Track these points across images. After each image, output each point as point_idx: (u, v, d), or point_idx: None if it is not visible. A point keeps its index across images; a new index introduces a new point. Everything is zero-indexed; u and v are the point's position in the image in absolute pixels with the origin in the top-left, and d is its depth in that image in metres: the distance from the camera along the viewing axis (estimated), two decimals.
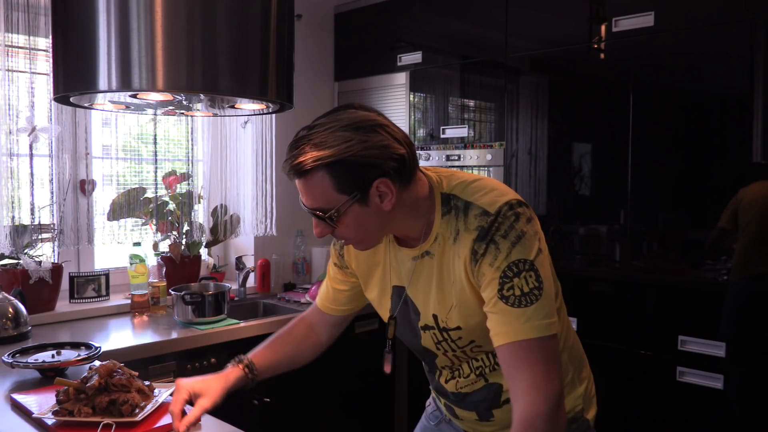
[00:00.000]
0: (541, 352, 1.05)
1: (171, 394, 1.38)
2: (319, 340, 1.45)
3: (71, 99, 1.46)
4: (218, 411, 1.35)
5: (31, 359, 1.61)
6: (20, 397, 1.41)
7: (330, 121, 1.08)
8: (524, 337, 1.05)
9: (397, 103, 2.99)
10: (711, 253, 2.05)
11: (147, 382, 1.38)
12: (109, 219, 2.62)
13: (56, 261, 2.42)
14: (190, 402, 1.25)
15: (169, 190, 2.78)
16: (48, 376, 1.58)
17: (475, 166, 2.65)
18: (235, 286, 2.85)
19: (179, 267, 2.70)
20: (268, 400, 2.22)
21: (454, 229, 1.14)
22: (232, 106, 1.64)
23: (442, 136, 2.77)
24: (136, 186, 2.71)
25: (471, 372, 1.26)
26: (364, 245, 1.20)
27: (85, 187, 2.51)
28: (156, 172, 2.78)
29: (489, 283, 1.09)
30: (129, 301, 2.52)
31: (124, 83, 1.29)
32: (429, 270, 1.19)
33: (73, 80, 1.34)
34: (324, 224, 1.13)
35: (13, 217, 2.30)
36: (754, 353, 1.97)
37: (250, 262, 2.96)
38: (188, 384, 1.25)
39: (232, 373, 1.31)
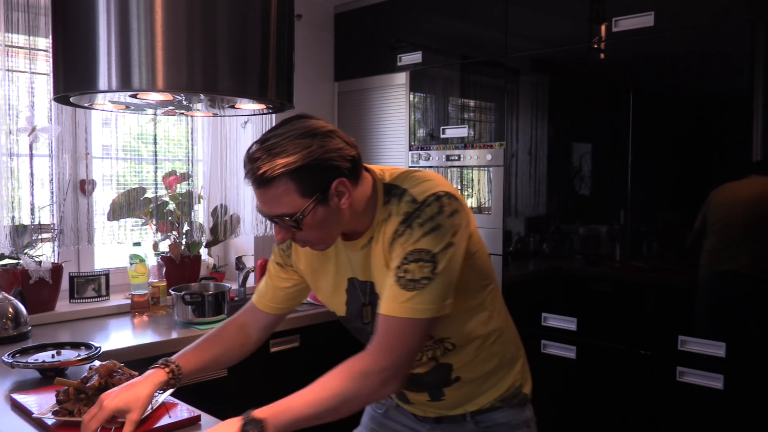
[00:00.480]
0: (406, 330, 1.16)
1: (171, 395, 1.38)
2: (248, 341, 1.47)
3: (71, 99, 1.46)
4: (218, 411, 1.35)
5: (31, 359, 1.61)
6: (20, 397, 1.41)
7: (286, 131, 1.16)
8: (396, 314, 1.16)
9: (397, 103, 2.99)
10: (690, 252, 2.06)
11: None
12: (109, 219, 2.62)
13: (56, 261, 2.42)
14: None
15: (169, 190, 2.78)
16: (48, 376, 1.58)
17: (475, 166, 2.65)
18: (235, 286, 2.85)
19: (179, 267, 2.70)
20: None
21: (388, 213, 1.23)
22: (232, 106, 1.64)
23: (442, 136, 2.77)
24: (136, 186, 2.71)
25: (422, 355, 1.32)
26: (323, 245, 1.26)
27: (85, 187, 2.51)
28: (156, 172, 2.78)
29: (394, 259, 1.19)
30: (129, 301, 2.53)
31: (124, 83, 1.29)
32: (375, 253, 1.26)
33: (73, 80, 1.34)
34: (286, 229, 1.20)
35: (13, 217, 2.30)
36: (754, 353, 1.97)
37: (250, 262, 2.96)
38: (112, 405, 1.19)
39: (156, 376, 1.29)
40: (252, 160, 1.15)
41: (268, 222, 2.94)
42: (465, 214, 1.22)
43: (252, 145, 1.17)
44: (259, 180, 1.14)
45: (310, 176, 1.15)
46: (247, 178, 1.17)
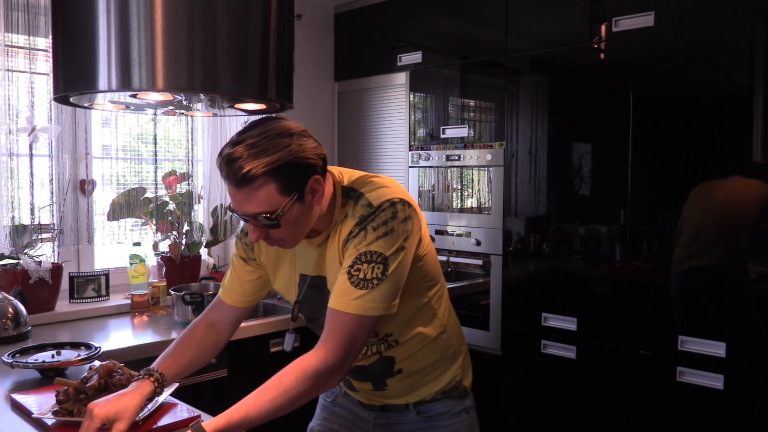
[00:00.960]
0: (352, 325, 1.23)
1: (171, 394, 1.38)
2: (220, 338, 1.50)
3: (71, 99, 1.46)
4: (218, 412, 1.35)
5: (31, 359, 1.61)
6: (20, 397, 1.41)
7: (263, 132, 1.19)
8: (344, 309, 1.23)
9: (397, 103, 2.99)
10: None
11: None
12: (109, 219, 2.62)
13: (56, 261, 2.42)
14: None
15: (169, 190, 2.78)
16: (48, 376, 1.58)
17: (475, 166, 2.65)
18: None
19: (179, 267, 2.70)
20: None
21: (345, 215, 1.30)
22: (232, 106, 1.64)
23: (442, 136, 2.77)
24: (136, 186, 2.71)
25: (367, 349, 1.39)
26: (293, 243, 1.31)
27: (85, 187, 2.51)
28: (156, 172, 2.78)
29: (347, 258, 1.25)
30: (129, 301, 2.53)
31: (124, 83, 1.29)
32: (329, 251, 1.33)
33: (73, 80, 1.34)
34: (261, 229, 1.24)
35: (13, 217, 2.30)
36: (754, 353, 1.97)
37: None
38: (102, 413, 1.19)
39: (144, 387, 1.29)
40: (232, 160, 1.17)
41: None
42: (417, 221, 1.29)
43: (225, 147, 1.20)
44: (242, 179, 1.17)
45: (290, 174, 1.19)
46: (227, 179, 1.20)
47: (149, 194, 2.72)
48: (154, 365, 1.37)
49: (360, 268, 1.23)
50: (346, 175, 1.36)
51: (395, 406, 1.48)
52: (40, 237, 2.36)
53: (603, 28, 2.25)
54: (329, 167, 1.33)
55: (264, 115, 1.28)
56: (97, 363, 1.42)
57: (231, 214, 1.39)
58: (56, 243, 2.43)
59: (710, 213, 2.06)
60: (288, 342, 1.48)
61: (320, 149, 1.26)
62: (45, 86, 2.35)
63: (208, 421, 1.14)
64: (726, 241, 2.04)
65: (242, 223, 1.43)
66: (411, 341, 1.40)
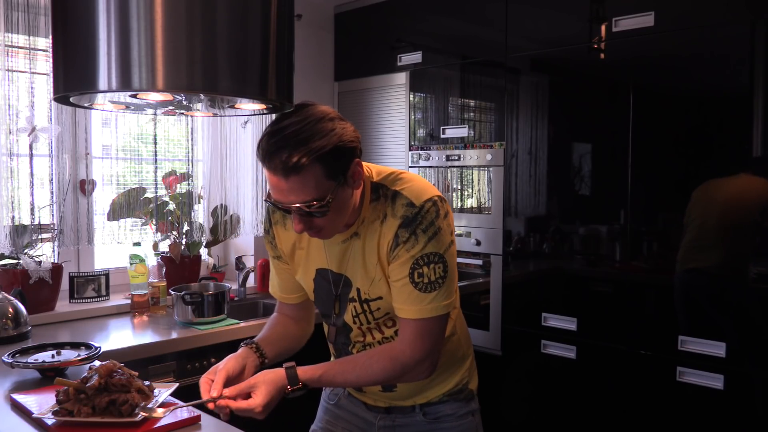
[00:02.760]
0: (434, 326, 1.29)
1: (171, 394, 1.38)
2: (304, 326, 1.56)
3: (71, 99, 1.45)
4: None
5: (31, 359, 1.61)
6: (20, 397, 1.41)
7: (304, 118, 1.18)
8: (425, 316, 1.28)
9: (397, 103, 2.99)
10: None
11: (147, 382, 1.38)
12: (109, 219, 2.62)
13: (56, 261, 2.42)
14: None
15: (169, 190, 2.78)
16: (48, 376, 1.58)
17: (475, 166, 2.65)
18: (235, 286, 2.85)
19: (179, 267, 2.70)
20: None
21: (382, 213, 1.30)
22: (232, 106, 1.64)
23: (442, 136, 2.77)
24: (136, 186, 2.71)
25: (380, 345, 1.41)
26: (334, 231, 1.30)
27: (85, 187, 2.51)
28: (156, 172, 2.78)
29: (402, 265, 1.27)
30: (129, 301, 2.53)
31: (124, 83, 1.28)
32: (356, 248, 1.33)
33: (73, 80, 1.34)
34: (306, 218, 1.22)
35: (13, 217, 2.30)
36: (754, 353, 1.97)
37: (250, 262, 2.96)
38: (222, 375, 1.28)
39: (250, 358, 1.37)
40: (278, 150, 1.15)
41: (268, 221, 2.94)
42: (452, 215, 1.34)
43: (265, 137, 1.18)
44: (292, 168, 1.15)
45: (336, 159, 1.18)
46: (273, 170, 1.17)
47: (149, 194, 2.72)
48: (257, 340, 1.45)
49: (422, 273, 1.26)
50: (374, 169, 1.36)
51: (401, 407, 1.47)
52: (40, 237, 2.36)
53: (603, 28, 2.25)
54: None
55: (296, 104, 1.25)
56: (97, 363, 1.42)
57: (270, 206, 1.36)
58: (56, 243, 2.43)
59: (713, 212, 2.06)
60: (331, 333, 1.49)
61: (357, 133, 1.26)
62: (45, 86, 2.35)
63: (303, 368, 1.29)
64: (727, 241, 2.04)
65: (269, 219, 1.44)
66: None
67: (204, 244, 2.89)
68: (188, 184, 2.83)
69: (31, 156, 2.37)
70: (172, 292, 2.39)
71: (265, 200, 1.26)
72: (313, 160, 1.15)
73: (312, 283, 1.43)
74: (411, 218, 1.26)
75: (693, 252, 2.08)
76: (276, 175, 1.17)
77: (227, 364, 1.32)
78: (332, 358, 1.56)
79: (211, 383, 1.27)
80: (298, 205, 1.19)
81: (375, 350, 1.33)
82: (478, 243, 2.61)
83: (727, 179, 2.05)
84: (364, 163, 1.33)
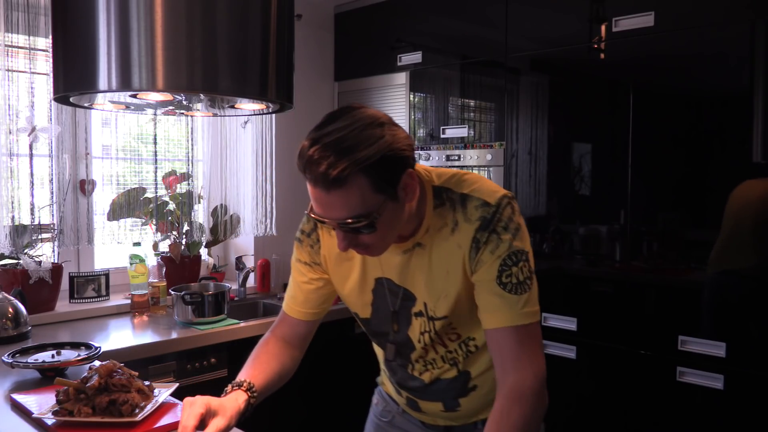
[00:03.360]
0: (531, 335, 1.13)
1: (171, 394, 1.38)
2: (295, 353, 1.35)
3: (71, 99, 1.45)
4: None
5: (31, 359, 1.61)
6: (20, 397, 1.41)
7: (350, 123, 1.03)
8: (519, 322, 1.12)
9: (397, 103, 2.99)
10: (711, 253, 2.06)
11: (147, 382, 1.38)
12: (109, 219, 2.62)
13: (56, 261, 2.41)
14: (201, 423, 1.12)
15: (169, 190, 2.78)
16: (48, 376, 1.58)
17: (475, 166, 2.64)
18: (235, 286, 2.85)
19: (179, 267, 2.70)
20: None
21: (452, 220, 1.16)
22: (232, 106, 1.64)
23: (442, 136, 2.77)
24: (136, 186, 2.71)
25: (444, 362, 1.28)
26: (383, 249, 1.15)
27: (85, 187, 2.51)
28: (156, 172, 2.77)
29: (488, 269, 1.13)
30: (129, 301, 2.53)
31: (124, 83, 1.28)
32: (420, 260, 1.19)
33: (73, 80, 1.34)
34: (352, 234, 1.08)
35: (13, 217, 2.30)
36: (754, 353, 1.97)
37: (250, 262, 2.96)
38: (204, 399, 1.11)
39: (239, 396, 1.18)
40: (319, 159, 1.00)
41: (269, 221, 2.94)
42: None
43: (307, 144, 1.03)
44: (334, 181, 1.00)
45: (384, 170, 1.04)
46: (314, 182, 1.03)
47: (149, 194, 2.72)
48: (237, 379, 1.23)
49: (510, 273, 1.12)
50: (434, 172, 1.21)
51: (463, 425, 1.35)
52: (40, 237, 2.36)
53: (603, 28, 2.25)
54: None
55: (342, 106, 1.11)
56: (97, 363, 1.42)
57: (312, 220, 1.20)
58: (56, 243, 2.43)
59: (748, 213, 2.00)
60: (390, 351, 1.32)
61: (410, 140, 1.10)
62: (45, 86, 2.35)
63: None
64: (762, 243, 1.96)
65: (302, 222, 1.31)
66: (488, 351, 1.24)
67: (204, 244, 2.89)
68: (188, 184, 2.83)
69: (31, 156, 2.37)
70: (172, 292, 2.39)
71: (307, 213, 1.12)
72: (357, 172, 1.01)
73: (371, 295, 1.27)
74: (489, 218, 1.13)
75: (727, 253, 2.02)
76: (316, 187, 1.03)
77: (207, 399, 1.12)
78: (384, 377, 1.45)
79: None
80: (341, 221, 1.06)
81: (497, 405, 1.11)
82: None
83: (762, 180, 1.97)
84: (422, 166, 1.21)
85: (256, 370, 1.26)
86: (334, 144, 1.01)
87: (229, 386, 1.21)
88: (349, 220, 1.05)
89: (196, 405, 1.10)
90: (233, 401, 1.17)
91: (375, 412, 1.50)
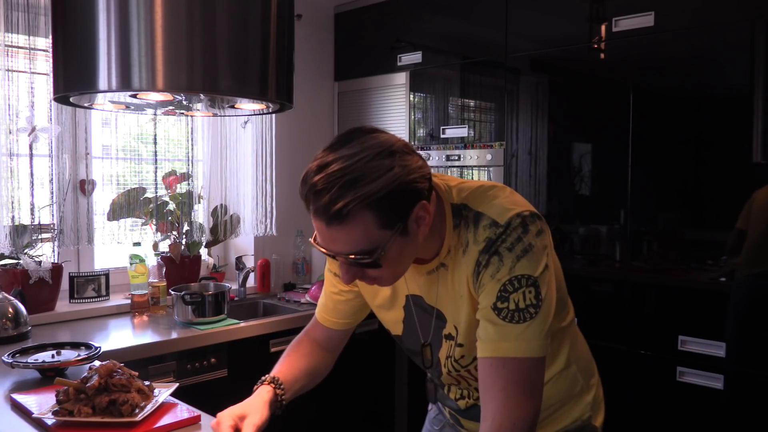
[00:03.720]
0: (523, 373, 0.99)
1: (171, 394, 1.38)
2: (327, 355, 1.34)
3: (71, 99, 1.46)
4: (218, 411, 1.35)
5: (31, 359, 1.61)
6: (20, 397, 1.41)
7: (358, 151, 0.95)
8: (509, 354, 0.99)
9: (397, 103, 2.99)
10: (711, 253, 2.05)
11: (147, 382, 1.38)
12: (109, 219, 2.62)
13: (56, 261, 2.41)
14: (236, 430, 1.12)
15: (169, 190, 2.78)
16: (48, 376, 1.58)
17: (475, 166, 2.65)
18: (235, 286, 2.85)
19: (179, 267, 2.70)
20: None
21: (464, 241, 1.07)
22: (232, 106, 1.64)
23: (442, 136, 2.77)
24: (136, 186, 2.71)
25: (477, 391, 1.18)
26: (393, 280, 1.08)
27: (85, 187, 2.51)
28: (156, 172, 2.77)
29: (487, 293, 1.02)
30: (129, 301, 2.52)
31: (124, 83, 1.29)
32: (446, 281, 1.11)
33: (73, 80, 1.34)
34: (356, 268, 1.02)
35: (13, 217, 2.30)
36: (754, 353, 1.97)
37: (250, 262, 2.96)
38: (229, 411, 1.12)
39: (263, 391, 1.19)
40: (320, 191, 0.93)
41: (269, 221, 2.95)
42: (549, 235, 1.07)
43: (310, 172, 0.96)
44: (335, 216, 0.93)
45: (392, 205, 0.95)
46: (314, 214, 0.96)
47: (149, 194, 2.72)
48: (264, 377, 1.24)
49: (508, 299, 1.00)
50: (455, 188, 1.11)
51: None
52: (40, 237, 2.36)
53: (603, 28, 2.25)
54: (433, 175, 1.10)
55: (354, 127, 1.02)
56: (97, 363, 1.42)
57: (317, 249, 1.05)
58: (56, 243, 2.43)
59: None
60: (431, 393, 1.28)
61: (426, 168, 1.01)
62: (45, 86, 2.35)
63: None
64: None
65: None
66: None
67: (204, 244, 2.89)
68: (188, 184, 2.83)
69: (31, 156, 2.37)
70: (172, 292, 2.39)
71: (313, 241, 1.04)
72: (361, 207, 0.93)
73: (402, 312, 1.21)
74: (494, 239, 1.02)
75: (762, 255, 1.96)
76: (317, 219, 0.97)
77: (230, 409, 1.14)
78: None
79: None
80: (343, 255, 0.99)
81: None
82: None
83: None
84: (443, 180, 1.12)
85: (283, 367, 1.26)
86: (336, 175, 0.93)
87: (256, 384, 1.21)
88: (352, 256, 0.98)
89: (224, 419, 1.09)
90: (258, 397, 1.17)
91: (429, 417, 1.46)
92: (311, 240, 1.04)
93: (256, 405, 1.15)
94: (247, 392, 1.21)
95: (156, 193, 2.74)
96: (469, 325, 1.10)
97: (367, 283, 1.07)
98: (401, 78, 2.94)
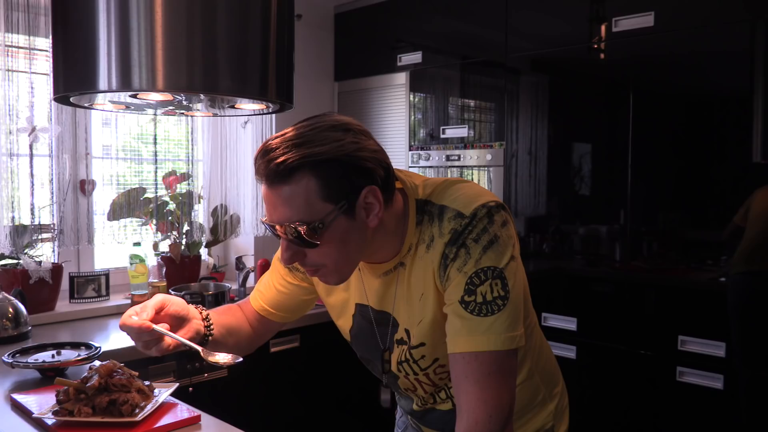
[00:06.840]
0: (496, 365, 0.97)
1: (171, 394, 1.38)
2: (252, 333, 1.32)
3: (71, 99, 1.46)
4: (218, 411, 1.35)
5: (31, 359, 1.61)
6: (20, 397, 1.41)
7: (313, 123, 0.98)
8: (480, 348, 0.97)
9: (397, 103, 2.99)
10: (711, 253, 2.05)
11: (147, 382, 1.38)
12: (109, 219, 2.62)
13: (56, 261, 2.42)
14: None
15: (169, 190, 2.78)
16: (48, 376, 1.58)
17: (475, 166, 2.65)
18: (235, 286, 2.85)
19: (179, 267, 2.70)
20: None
21: (429, 236, 1.04)
22: (232, 106, 1.64)
23: (442, 136, 2.77)
24: (136, 186, 2.71)
25: (435, 394, 1.20)
26: (338, 275, 1.05)
27: (85, 187, 2.51)
28: (156, 172, 2.78)
29: (454, 287, 1.00)
30: (129, 301, 2.53)
31: (124, 83, 1.28)
32: (401, 281, 1.09)
33: (73, 80, 1.34)
34: (296, 246, 0.99)
35: (13, 217, 2.30)
36: (754, 353, 1.97)
37: (250, 262, 2.96)
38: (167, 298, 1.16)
39: (197, 322, 1.20)
40: (269, 151, 0.95)
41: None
42: (513, 227, 1.05)
43: (270, 138, 0.99)
44: (274, 173, 0.94)
45: (338, 176, 0.95)
46: (259, 174, 0.97)
47: (149, 194, 2.72)
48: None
49: (475, 292, 0.98)
50: (421, 185, 1.09)
51: None
52: (40, 237, 2.36)
53: (603, 28, 2.25)
54: (401, 174, 1.09)
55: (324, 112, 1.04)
56: (97, 363, 1.42)
57: (265, 227, 1.05)
58: (56, 243, 2.43)
59: None
60: (385, 399, 1.26)
61: (382, 155, 1.00)
62: (45, 86, 2.35)
63: None
64: None
65: None
66: None
67: (204, 244, 2.89)
68: (188, 184, 2.83)
69: (31, 156, 2.37)
70: (172, 292, 2.39)
71: (263, 221, 1.02)
72: (301, 166, 0.93)
73: (350, 321, 1.20)
74: (460, 231, 1.00)
75: (758, 253, 1.97)
76: (263, 183, 0.97)
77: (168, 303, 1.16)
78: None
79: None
80: (282, 223, 0.97)
81: None
82: None
83: None
84: (411, 178, 1.11)
85: (216, 315, 1.26)
86: (288, 139, 0.95)
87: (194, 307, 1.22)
88: (292, 225, 0.96)
89: (149, 302, 1.14)
90: (192, 314, 1.19)
91: (396, 419, 1.45)
92: (261, 219, 1.04)
93: (186, 316, 1.18)
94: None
95: (156, 193, 2.75)
96: (434, 320, 1.07)
97: (308, 273, 1.06)
98: (401, 78, 2.94)
